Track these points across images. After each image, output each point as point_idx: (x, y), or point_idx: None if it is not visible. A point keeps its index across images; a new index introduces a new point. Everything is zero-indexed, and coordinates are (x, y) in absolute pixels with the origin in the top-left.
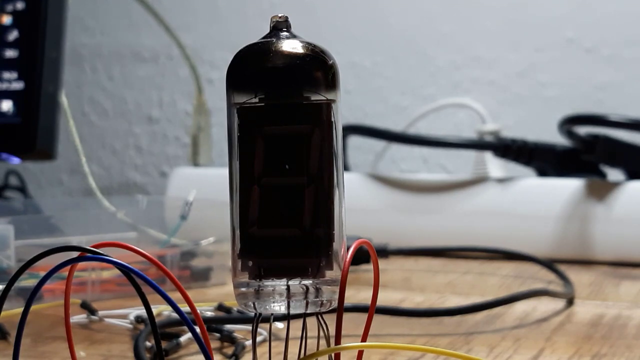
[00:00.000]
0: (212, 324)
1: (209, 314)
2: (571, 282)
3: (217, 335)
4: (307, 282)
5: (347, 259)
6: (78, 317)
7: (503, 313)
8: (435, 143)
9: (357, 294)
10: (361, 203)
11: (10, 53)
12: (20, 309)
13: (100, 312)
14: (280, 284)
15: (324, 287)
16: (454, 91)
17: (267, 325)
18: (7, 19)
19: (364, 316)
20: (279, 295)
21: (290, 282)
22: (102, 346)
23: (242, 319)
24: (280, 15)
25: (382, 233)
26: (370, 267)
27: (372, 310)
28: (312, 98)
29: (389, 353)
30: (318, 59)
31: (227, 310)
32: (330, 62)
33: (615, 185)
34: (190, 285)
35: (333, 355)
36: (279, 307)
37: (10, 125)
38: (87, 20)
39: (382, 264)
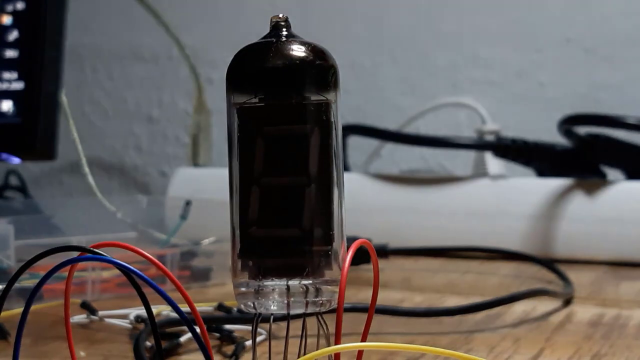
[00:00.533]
0: (212, 324)
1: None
2: (571, 282)
3: (217, 335)
4: (307, 282)
5: (347, 259)
6: (78, 317)
7: (503, 313)
8: (435, 143)
9: (357, 294)
10: (361, 203)
11: (10, 53)
12: (21, 309)
13: (100, 312)
14: (280, 283)
15: (324, 287)
16: (454, 91)
17: (267, 325)
18: (7, 19)
19: (364, 316)
20: (278, 295)
21: (290, 282)
22: (102, 346)
23: (242, 319)
24: (280, 15)
25: (382, 233)
26: (370, 267)
27: (372, 310)
28: (312, 98)
29: (389, 353)
30: (318, 59)
31: (227, 310)
32: (330, 62)
33: (615, 185)
34: (190, 285)
35: (333, 355)
36: (279, 307)
37: (10, 125)
38: (87, 20)
39: (382, 264)
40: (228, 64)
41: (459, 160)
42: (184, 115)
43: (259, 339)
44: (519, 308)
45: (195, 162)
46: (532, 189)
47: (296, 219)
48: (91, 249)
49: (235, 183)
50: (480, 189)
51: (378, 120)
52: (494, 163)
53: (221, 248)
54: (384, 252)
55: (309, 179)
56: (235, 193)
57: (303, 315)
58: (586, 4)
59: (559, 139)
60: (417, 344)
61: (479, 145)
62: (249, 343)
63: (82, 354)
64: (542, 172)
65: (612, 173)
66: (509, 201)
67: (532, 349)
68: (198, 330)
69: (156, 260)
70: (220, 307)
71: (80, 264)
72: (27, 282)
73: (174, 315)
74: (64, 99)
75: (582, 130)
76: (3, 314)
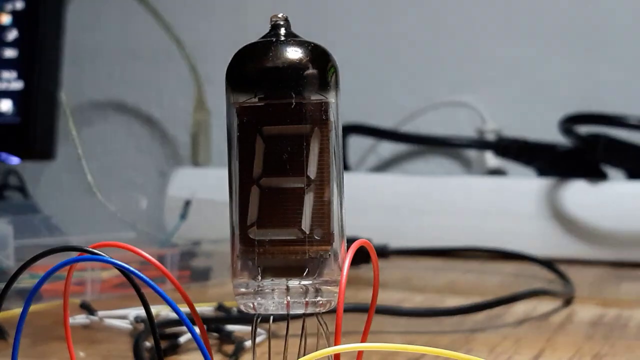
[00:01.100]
0: (212, 324)
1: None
2: (571, 282)
3: (217, 335)
4: (307, 282)
5: (347, 260)
6: (78, 317)
7: (503, 313)
8: (435, 142)
9: (357, 294)
10: (361, 203)
11: (10, 53)
12: (20, 309)
13: (100, 312)
14: (279, 284)
15: (324, 287)
16: (454, 90)
17: (266, 325)
18: (6, 19)
19: (364, 316)
20: (278, 295)
21: (289, 283)
22: (101, 346)
23: (242, 319)
24: (280, 14)
25: (382, 233)
26: (370, 267)
27: (372, 310)
28: (312, 98)
29: (389, 353)
30: (318, 59)
31: (227, 310)
32: (331, 61)
33: (615, 185)
34: (190, 285)
35: (333, 355)
36: (279, 308)
37: (10, 125)
38: (87, 20)
39: (382, 264)
40: (228, 64)
41: (459, 160)
42: (184, 115)
43: (258, 339)
44: (520, 308)
45: (195, 162)
46: (532, 188)
47: (296, 219)
48: (90, 249)
49: (235, 183)
50: (481, 189)
51: (378, 119)
52: (494, 162)
53: (221, 248)
54: (384, 252)
55: (308, 179)
56: (235, 193)
57: (303, 316)
58: (588, 1)
59: (560, 139)
60: (417, 344)
61: (480, 144)
62: (248, 343)
63: (82, 354)
64: (542, 172)
65: (613, 173)
66: (509, 201)
67: (532, 349)
68: (197, 330)
69: (155, 261)
70: (220, 307)
71: (80, 264)
72: (26, 282)
73: (174, 315)
74: (63, 98)
75: (583, 129)
76: (2, 314)
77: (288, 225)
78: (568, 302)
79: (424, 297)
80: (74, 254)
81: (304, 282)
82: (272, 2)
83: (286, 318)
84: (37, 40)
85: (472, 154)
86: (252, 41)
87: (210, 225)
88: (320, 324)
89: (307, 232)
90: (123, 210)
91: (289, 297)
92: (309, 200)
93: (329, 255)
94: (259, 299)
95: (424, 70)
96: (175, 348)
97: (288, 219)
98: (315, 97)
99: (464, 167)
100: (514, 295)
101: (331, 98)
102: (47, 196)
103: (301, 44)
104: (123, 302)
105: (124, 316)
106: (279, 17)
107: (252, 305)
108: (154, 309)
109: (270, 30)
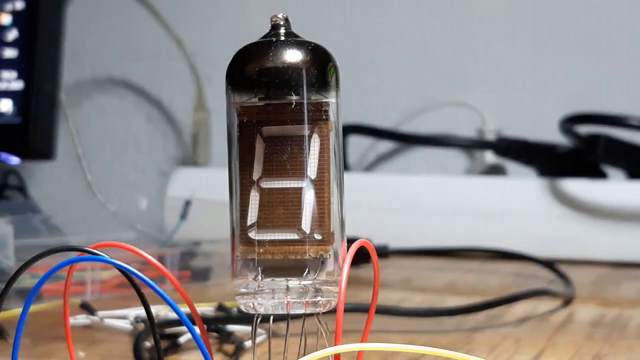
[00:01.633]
0: (212, 324)
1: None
2: (571, 282)
3: (217, 335)
4: (307, 282)
5: (347, 260)
6: (78, 317)
7: (503, 313)
8: (435, 142)
9: (357, 294)
10: (361, 203)
11: (10, 53)
12: (20, 309)
13: (100, 313)
14: (279, 284)
15: (324, 287)
16: (454, 90)
17: (267, 325)
18: (6, 19)
19: (364, 316)
20: (278, 295)
21: (289, 283)
22: (101, 346)
23: (242, 319)
24: (280, 14)
25: (382, 233)
26: (370, 267)
27: (372, 310)
28: (312, 98)
29: (389, 353)
30: (318, 59)
31: (227, 310)
32: (331, 61)
33: (615, 184)
34: (190, 285)
35: (333, 355)
36: (279, 308)
37: (10, 125)
38: (87, 20)
39: (382, 264)
40: (228, 64)
41: (460, 160)
42: (183, 115)
43: (258, 339)
44: (520, 308)
45: (195, 162)
46: (532, 188)
47: (296, 219)
48: (90, 249)
49: (235, 183)
50: (481, 189)
51: (378, 119)
52: (494, 162)
53: (221, 248)
54: (385, 252)
55: (308, 179)
56: (235, 193)
57: (303, 316)
58: (588, 2)
59: (560, 139)
60: (417, 344)
61: (480, 144)
62: (248, 343)
63: (82, 354)
64: (542, 172)
65: (613, 173)
66: (509, 201)
67: (533, 349)
68: (197, 330)
69: (155, 261)
70: (220, 307)
71: (80, 264)
72: (26, 282)
73: (174, 315)
74: (63, 98)
75: (583, 129)
76: (2, 314)
77: (288, 226)
78: (568, 302)
79: (424, 297)
80: (74, 254)
81: (304, 282)
82: (273, 1)
83: (286, 318)
84: (37, 40)
85: (472, 153)
86: (253, 41)
87: (210, 225)
88: (320, 324)
89: (307, 232)
90: (123, 210)
91: (289, 297)
92: (309, 200)
93: (329, 255)
94: (259, 299)
95: (423, 70)
96: (175, 348)
97: (288, 219)
98: (315, 97)
99: (463, 167)
100: (514, 295)
101: (331, 98)
102: (47, 196)
103: (301, 44)
104: (123, 302)
105: (124, 316)
106: (279, 17)
107: (252, 305)
108: (154, 309)
109: (270, 30)
